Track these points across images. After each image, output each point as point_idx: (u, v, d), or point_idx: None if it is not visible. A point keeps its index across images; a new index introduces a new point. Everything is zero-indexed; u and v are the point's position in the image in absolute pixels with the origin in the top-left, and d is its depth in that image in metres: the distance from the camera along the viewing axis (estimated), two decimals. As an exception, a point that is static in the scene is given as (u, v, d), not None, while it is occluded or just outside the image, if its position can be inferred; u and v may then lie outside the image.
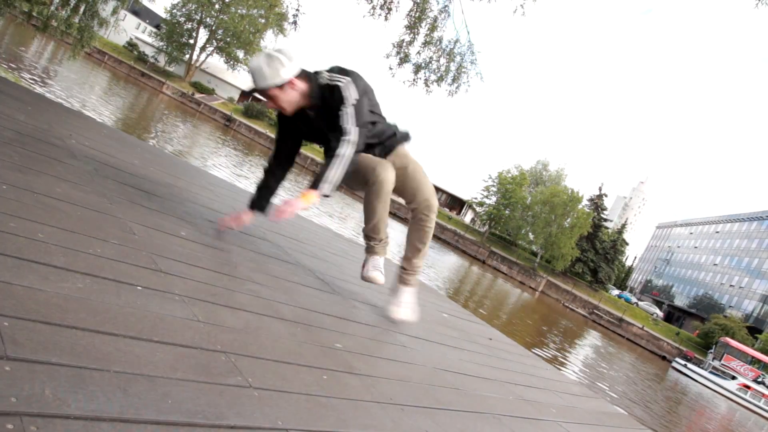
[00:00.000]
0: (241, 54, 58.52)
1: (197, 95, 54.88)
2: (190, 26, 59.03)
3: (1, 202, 1.52)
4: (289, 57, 2.38)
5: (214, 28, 58.00)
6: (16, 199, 1.61)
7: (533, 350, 13.75)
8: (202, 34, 59.49)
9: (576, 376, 14.25)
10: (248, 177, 19.17)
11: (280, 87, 2.36)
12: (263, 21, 57.12)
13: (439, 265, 28.27)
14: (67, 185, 2.01)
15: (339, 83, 2.42)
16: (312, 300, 2.32)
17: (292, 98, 2.42)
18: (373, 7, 9.32)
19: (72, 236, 1.53)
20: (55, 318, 1.06)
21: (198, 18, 58.26)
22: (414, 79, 9.90)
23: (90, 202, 1.96)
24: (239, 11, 56.86)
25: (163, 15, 60.37)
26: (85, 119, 4.38)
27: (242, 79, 63.27)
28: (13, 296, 1.06)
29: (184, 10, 58.26)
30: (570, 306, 44.37)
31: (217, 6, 57.22)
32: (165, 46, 58.73)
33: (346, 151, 2.37)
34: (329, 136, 2.51)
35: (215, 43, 59.07)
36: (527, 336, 17.33)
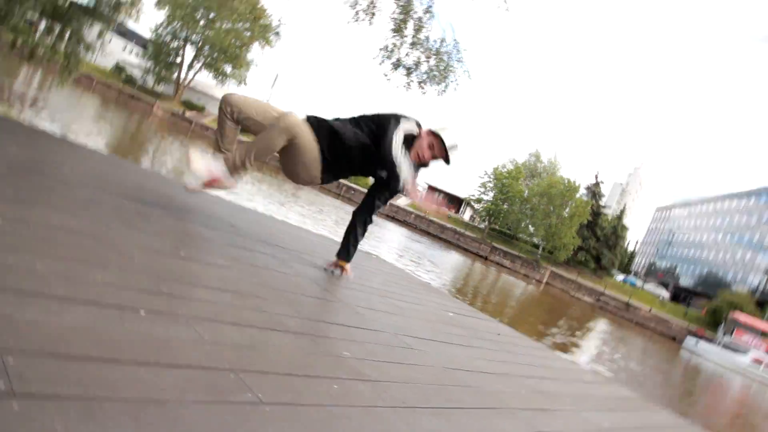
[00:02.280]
0: (228, 68, 58.63)
1: (188, 113, 54.92)
2: (176, 44, 59.14)
3: (-2, 237, 1.52)
4: None
5: (200, 44, 58.10)
6: (12, 232, 1.61)
7: (543, 341, 13.74)
8: (189, 52, 59.60)
9: (588, 363, 14.24)
10: (240, 194, 19.13)
11: None
12: (249, 34, 57.24)
13: (442, 264, 28.27)
14: (63, 215, 2.01)
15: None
16: (316, 310, 2.32)
17: None
18: (357, 12, 9.37)
19: (71, 266, 1.53)
20: (61, 350, 1.05)
21: (184, 35, 58.35)
22: (408, 83, 9.98)
23: (87, 230, 1.95)
24: (224, 26, 56.98)
25: (149, 35, 60.36)
26: (77, 147, 4.37)
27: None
28: (17, 331, 1.05)
29: (169, 28, 58.36)
30: (576, 295, 44.41)
31: (202, 22, 57.32)
32: (152, 66, 58.80)
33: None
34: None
35: (203, 60, 59.15)
36: (535, 328, 17.32)
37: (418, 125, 3.00)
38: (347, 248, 3.18)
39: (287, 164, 2.91)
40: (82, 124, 22.75)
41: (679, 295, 69.49)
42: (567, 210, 48.53)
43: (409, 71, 9.79)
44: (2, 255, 1.40)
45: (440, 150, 2.92)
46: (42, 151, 3.33)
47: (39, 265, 1.43)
